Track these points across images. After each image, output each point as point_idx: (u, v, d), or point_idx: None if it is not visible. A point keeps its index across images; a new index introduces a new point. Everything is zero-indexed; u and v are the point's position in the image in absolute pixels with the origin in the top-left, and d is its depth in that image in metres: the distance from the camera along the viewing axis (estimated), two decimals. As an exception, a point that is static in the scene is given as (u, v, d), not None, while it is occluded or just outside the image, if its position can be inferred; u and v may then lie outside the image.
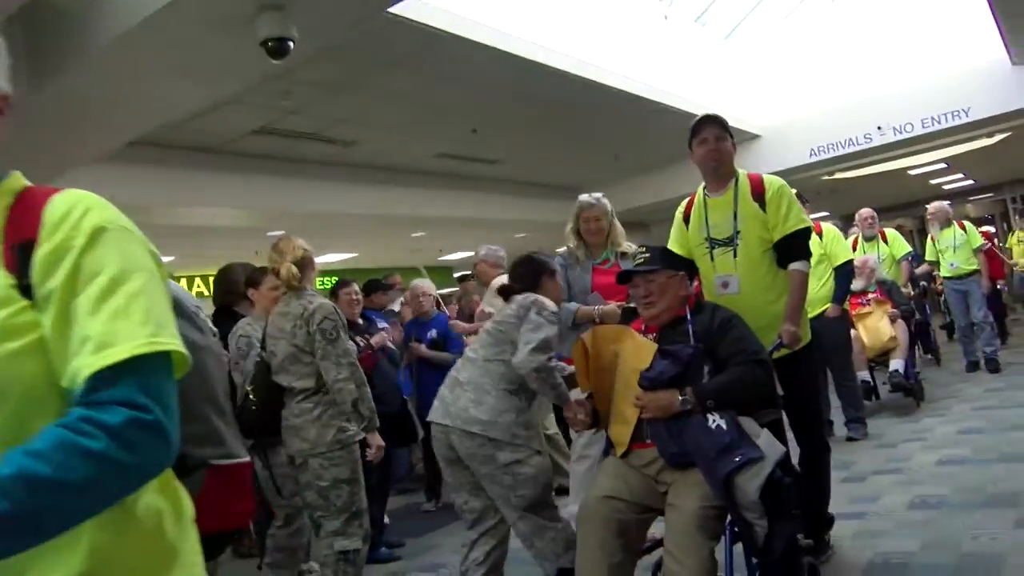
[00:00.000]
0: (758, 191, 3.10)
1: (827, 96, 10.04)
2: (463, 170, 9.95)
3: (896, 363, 5.96)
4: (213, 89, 4.70)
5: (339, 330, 3.16)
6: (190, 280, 12.23)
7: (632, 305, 2.94)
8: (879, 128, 9.74)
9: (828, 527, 3.24)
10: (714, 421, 2.34)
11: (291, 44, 3.75)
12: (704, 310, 2.69)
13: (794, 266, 3.07)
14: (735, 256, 3.08)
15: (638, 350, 2.58)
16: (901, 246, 7.28)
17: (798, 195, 5.71)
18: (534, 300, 2.98)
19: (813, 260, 5.49)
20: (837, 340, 5.39)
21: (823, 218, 6.16)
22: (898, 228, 8.56)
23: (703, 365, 2.49)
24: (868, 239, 7.04)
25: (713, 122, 3.15)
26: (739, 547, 2.37)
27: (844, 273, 5.35)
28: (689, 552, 2.22)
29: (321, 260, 12.83)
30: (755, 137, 10.48)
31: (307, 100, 6.55)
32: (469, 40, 5.82)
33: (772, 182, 3.14)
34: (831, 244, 5.44)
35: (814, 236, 5.46)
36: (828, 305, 5.32)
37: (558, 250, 3.92)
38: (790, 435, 2.98)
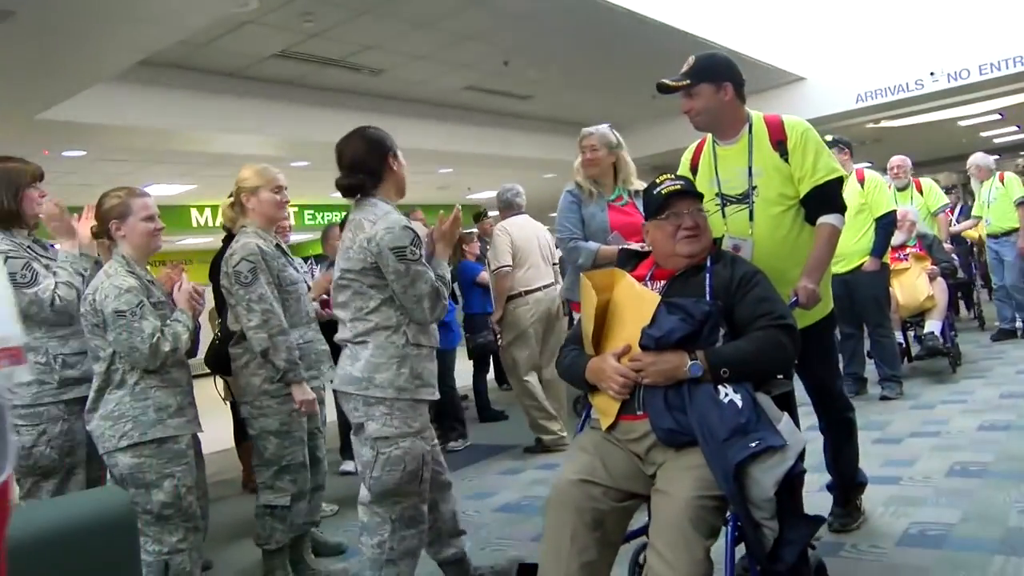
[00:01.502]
0: (778, 137, 2.67)
1: (877, 38, 9.49)
2: (493, 105, 9.65)
3: (932, 324, 5.63)
4: (222, 2, 4.44)
5: (256, 272, 2.93)
6: (214, 209, 12.14)
7: (635, 246, 2.57)
8: (932, 74, 9.22)
9: (859, 491, 3.01)
10: (726, 395, 1.98)
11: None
12: (723, 260, 2.29)
13: (825, 219, 2.63)
14: (751, 217, 2.66)
15: (637, 301, 2.18)
16: (937, 197, 6.87)
17: (839, 141, 5.50)
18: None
19: (852, 210, 5.28)
20: (875, 292, 5.13)
21: (866, 167, 5.79)
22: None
23: (719, 327, 2.10)
24: (900, 189, 6.60)
25: (670, 89, 2.66)
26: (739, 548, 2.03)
27: (885, 224, 5.07)
28: (679, 550, 1.81)
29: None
30: (799, 79, 10.02)
31: (331, 22, 6.27)
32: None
33: (794, 126, 2.68)
34: (873, 193, 5.13)
35: (855, 184, 5.19)
36: (866, 258, 5.05)
37: (567, 186, 3.69)
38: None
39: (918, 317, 5.78)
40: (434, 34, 6.85)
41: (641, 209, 3.36)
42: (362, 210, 2.59)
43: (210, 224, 12.39)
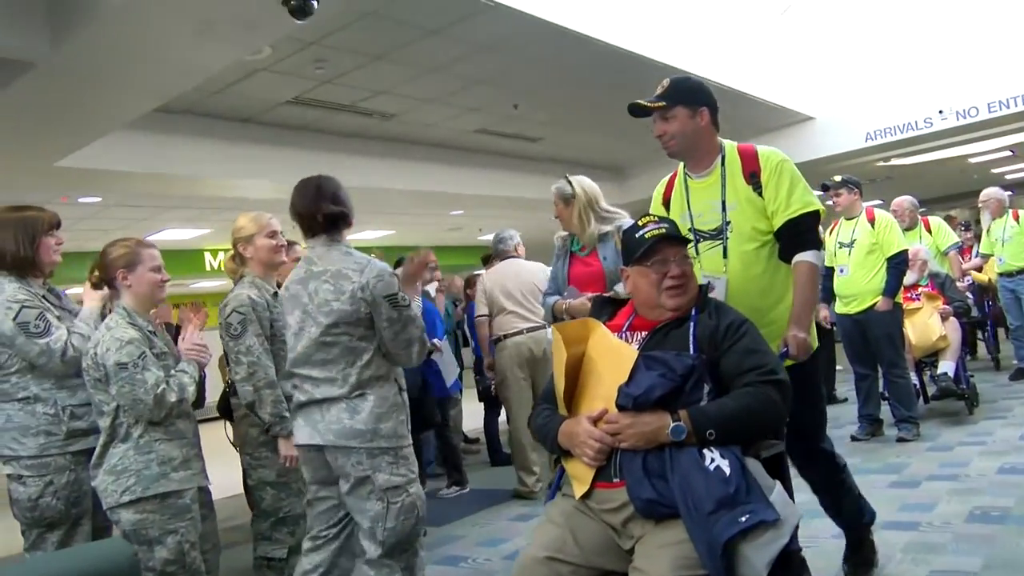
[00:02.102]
0: (751, 169, 2.52)
1: (886, 77, 9.54)
2: (503, 147, 9.73)
3: (945, 365, 5.51)
4: (236, 48, 4.54)
5: (245, 324, 2.94)
6: (228, 253, 12.23)
7: (612, 294, 2.44)
8: (941, 112, 9.24)
9: (868, 528, 2.88)
10: (712, 460, 1.78)
11: (315, 3, 3.55)
12: (708, 308, 2.12)
13: (802, 257, 2.46)
14: (724, 254, 2.52)
15: (613, 355, 1.99)
16: (947, 236, 6.81)
17: (848, 180, 5.49)
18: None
19: (863, 249, 5.30)
20: (889, 331, 5.08)
21: (876, 206, 5.77)
22: (946, 218, 8.08)
23: (703, 382, 1.92)
24: (906, 229, 6.52)
25: (645, 110, 2.53)
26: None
27: (897, 264, 5.04)
28: None
29: (357, 237, 12.92)
30: (808, 119, 10.05)
31: (342, 69, 6.37)
32: (511, 8, 5.56)
33: (769, 157, 2.53)
34: (884, 232, 5.12)
35: (865, 224, 5.18)
36: (878, 298, 5.01)
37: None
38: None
39: (932, 357, 5.68)
40: (444, 79, 6.93)
41: (604, 255, 3.34)
42: (331, 259, 2.54)
43: (223, 268, 12.48)
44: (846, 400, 6.69)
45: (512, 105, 7.89)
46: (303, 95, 6.93)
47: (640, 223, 2.19)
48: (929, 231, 6.74)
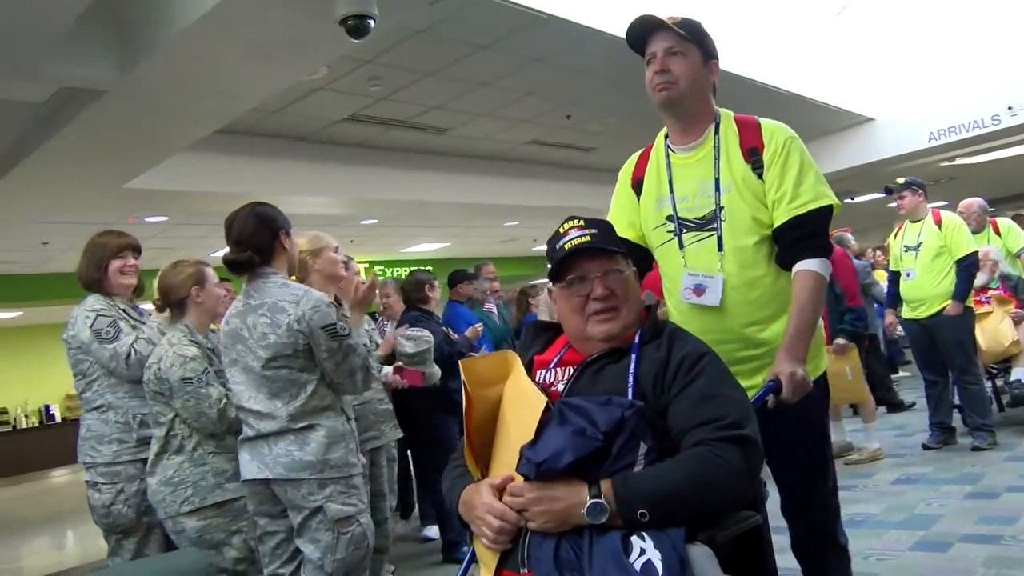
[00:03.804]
0: (751, 143, 2.00)
1: (949, 74, 9.27)
2: (556, 158, 9.74)
3: (1019, 371, 5.30)
4: (294, 71, 4.64)
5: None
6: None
7: (546, 318, 2.16)
8: (1010, 108, 8.91)
9: None
10: (641, 552, 1.34)
11: (371, 22, 3.61)
12: (657, 335, 1.65)
13: (805, 265, 1.93)
14: (719, 247, 1.98)
15: (521, 403, 1.58)
16: (1017, 238, 6.54)
17: (912, 182, 5.32)
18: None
19: (931, 253, 5.13)
20: (960, 336, 4.91)
21: (942, 207, 5.60)
22: (1015, 217, 7.77)
23: (640, 440, 1.45)
24: (975, 232, 6.28)
25: (659, 28, 2.01)
26: None
27: (966, 266, 4.87)
28: None
29: (413, 250, 13.08)
30: (868, 120, 9.83)
31: (397, 86, 6.46)
32: (562, 19, 5.57)
33: (775, 132, 2.01)
34: (952, 234, 4.95)
35: (932, 226, 5.02)
36: (948, 302, 4.86)
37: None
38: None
39: (1004, 364, 5.46)
40: (497, 92, 6.97)
41: None
42: (268, 291, 2.48)
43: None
44: (913, 405, 6.50)
45: (564, 116, 7.90)
46: (359, 112, 7.05)
47: (561, 230, 1.72)
48: (998, 233, 6.49)
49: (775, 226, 1.96)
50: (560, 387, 1.64)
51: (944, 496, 3.97)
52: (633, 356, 1.60)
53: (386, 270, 13.94)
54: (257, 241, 2.51)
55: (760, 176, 1.97)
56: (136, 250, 3.16)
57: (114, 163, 5.69)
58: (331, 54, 4.54)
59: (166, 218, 8.42)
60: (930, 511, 3.74)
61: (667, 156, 2.09)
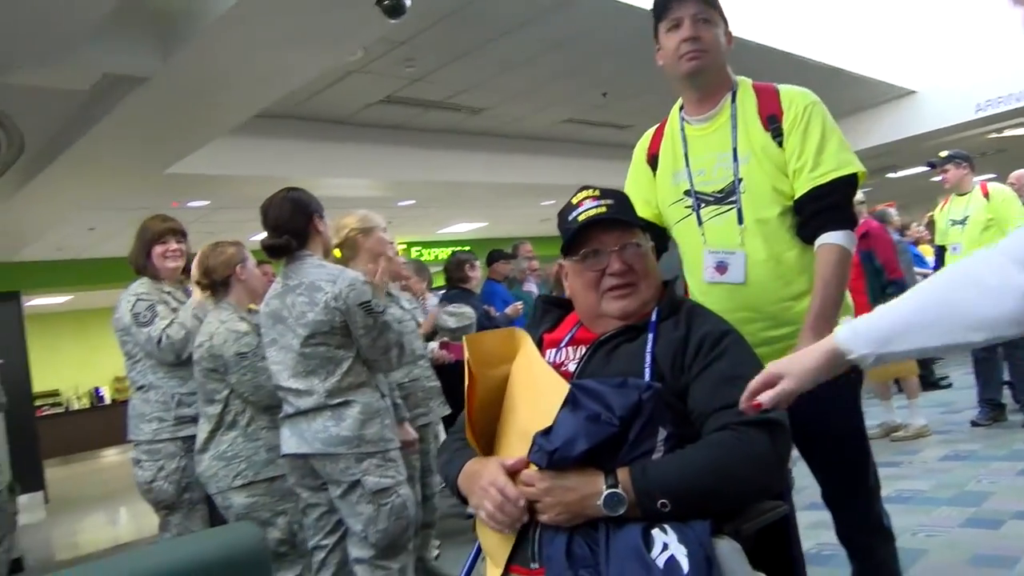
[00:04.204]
0: (770, 111, 1.90)
1: (996, 43, 8.99)
2: (593, 136, 9.68)
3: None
4: (331, 55, 4.67)
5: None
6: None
7: (555, 293, 2.07)
8: (1061, 77, 8.67)
9: None
10: (664, 547, 1.24)
11: (407, 2, 3.62)
12: (675, 312, 1.56)
13: (828, 238, 1.82)
14: (740, 220, 1.89)
15: (532, 385, 1.47)
16: None
17: (956, 156, 5.19)
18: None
19: (979, 226, 5.01)
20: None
21: (990, 179, 5.47)
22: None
23: (659, 425, 1.35)
24: None
25: None
26: None
27: (1019, 239, 4.75)
28: None
29: (449, 230, 13.10)
30: (909, 93, 9.61)
31: (431, 67, 6.46)
32: (597, -4, 5.53)
33: (794, 98, 1.90)
34: (1001, 207, 4.84)
35: (980, 199, 4.90)
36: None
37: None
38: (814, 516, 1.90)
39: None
40: (532, 71, 6.94)
41: None
42: (305, 272, 2.56)
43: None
44: (950, 385, 6.40)
45: (600, 94, 7.84)
46: (394, 94, 7.06)
47: (574, 200, 1.62)
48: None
49: (796, 197, 1.86)
50: (571, 367, 1.54)
51: (995, 473, 3.91)
52: (650, 335, 1.50)
53: (422, 251, 14.02)
54: (293, 226, 2.60)
55: (780, 144, 1.87)
56: (178, 234, 3.22)
57: (156, 149, 5.79)
58: (367, 36, 4.56)
59: (208, 203, 8.55)
60: (980, 488, 3.69)
61: (682, 129, 2.01)
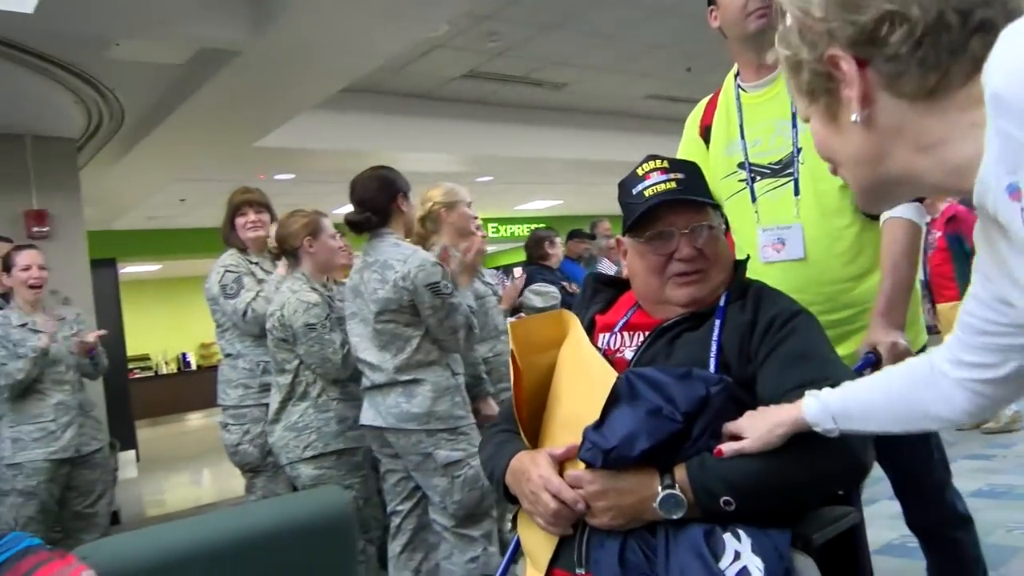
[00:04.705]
0: None
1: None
2: (675, 112, 9.47)
3: None
4: (418, 27, 4.68)
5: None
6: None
7: (614, 272, 1.94)
8: None
9: None
10: (735, 556, 1.11)
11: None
12: (742, 295, 1.42)
13: (893, 213, 1.66)
14: (796, 192, 1.74)
15: (582, 374, 1.35)
16: None
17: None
18: None
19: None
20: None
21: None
22: None
23: (724, 414, 1.22)
24: None
25: None
26: None
27: None
28: None
29: (527, 207, 13.08)
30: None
31: (515, 41, 6.42)
32: (685, -33, 5.39)
33: None
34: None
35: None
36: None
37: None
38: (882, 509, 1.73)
39: None
40: (616, 45, 6.83)
41: None
42: (382, 250, 2.61)
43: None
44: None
45: (685, 69, 7.68)
46: (476, 69, 7.06)
47: (639, 172, 1.45)
48: None
49: None
50: (627, 354, 1.40)
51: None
52: (717, 321, 1.36)
53: (500, 227, 14.06)
54: (376, 203, 2.66)
55: None
56: (257, 205, 3.28)
57: (245, 122, 5.93)
58: (455, 8, 4.57)
59: (292, 176, 8.74)
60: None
61: (737, 97, 1.86)
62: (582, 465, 1.24)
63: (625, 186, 1.48)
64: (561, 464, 1.28)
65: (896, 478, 1.86)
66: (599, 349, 1.41)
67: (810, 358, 1.27)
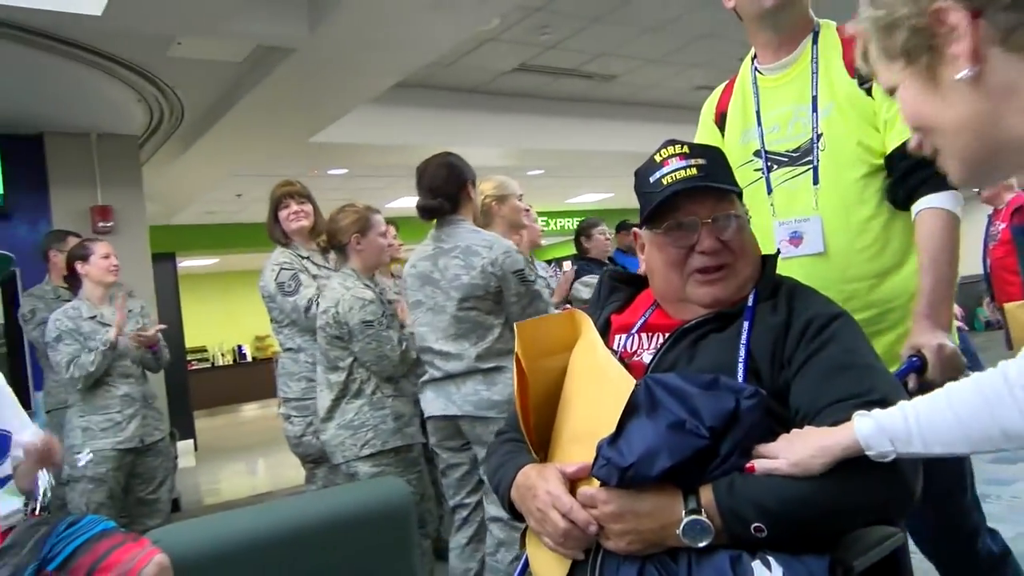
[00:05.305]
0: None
1: None
2: (726, 104, 9.38)
3: None
4: (470, 21, 4.70)
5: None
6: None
7: (630, 269, 1.81)
8: None
9: None
10: None
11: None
12: (774, 293, 1.30)
13: (928, 203, 1.53)
14: (815, 181, 1.62)
15: (596, 379, 1.24)
16: None
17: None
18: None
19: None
20: None
21: None
22: None
23: (759, 439, 1.10)
24: None
25: None
26: None
27: None
28: None
29: (577, 200, 13.04)
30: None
31: (566, 33, 6.40)
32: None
33: None
34: None
35: None
36: None
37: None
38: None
39: None
40: (666, 36, 6.76)
41: None
42: (460, 236, 2.57)
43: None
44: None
45: (737, 59, 7.56)
46: (527, 62, 7.05)
47: (658, 158, 1.34)
48: None
49: (888, 152, 1.56)
50: (646, 358, 1.29)
51: None
52: (745, 323, 1.23)
53: (549, 221, 14.05)
54: (447, 190, 2.63)
55: (869, 92, 1.57)
56: (297, 196, 3.32)
57: (301, 118, 6.03)
58: (508, 1, 4.57)
59: (345, 171, 8.86)
60: None
61: (754, 80, 1.76)
62: (597, 482, 1.12)
63: (642, 174, 1.36)
64: (572, 482, 1.17)
65: (922, 518, 1.57)
66: (614, 352, 1.31)
67: (851, 368, 1.14)
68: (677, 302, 1.33)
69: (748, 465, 1.06)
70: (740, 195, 1.38)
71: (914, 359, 1.44)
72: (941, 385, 1.17)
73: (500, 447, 1.39)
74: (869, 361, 1.17)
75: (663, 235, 1.32)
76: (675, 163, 1.30)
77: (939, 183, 1.49)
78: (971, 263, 3.55)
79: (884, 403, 1.05)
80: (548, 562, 1.19)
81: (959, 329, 4.60)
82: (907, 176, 1.53)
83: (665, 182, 1.29)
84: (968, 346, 4.74)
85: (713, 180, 1.29)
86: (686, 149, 1.31)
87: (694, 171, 1.28)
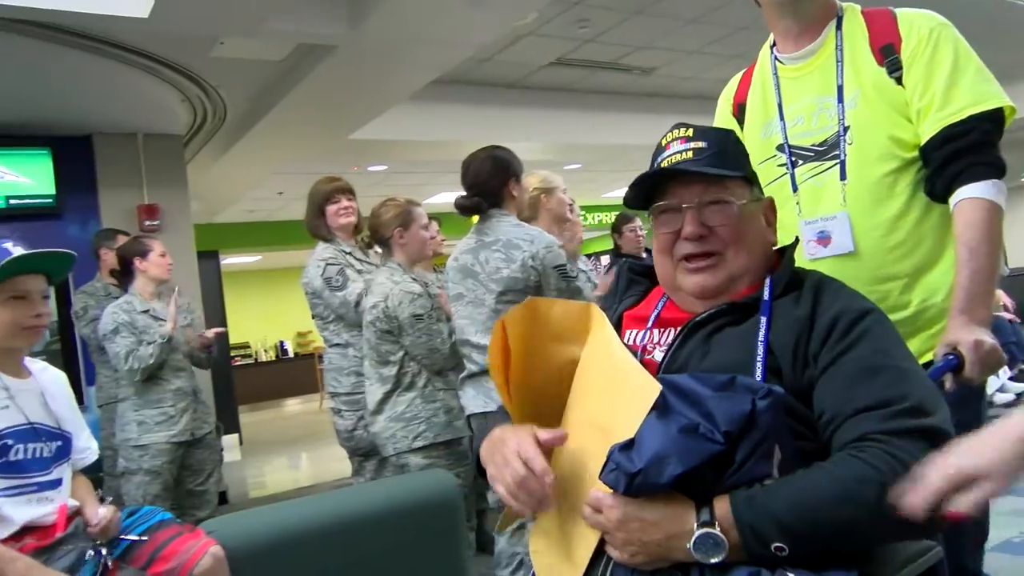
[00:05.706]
0: (886, 40, 1.51)
1: None
2: (766, 95, 9.26)
3: None
4: (508, 16, 4.70)
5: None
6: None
7: (643, 258, 1.75)
8: None
9: None
10: None
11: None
12: (796, 286, 1.20)
13: (966, 193, 1.44)
14: (842, 176, 1.53)
15: (608, 375, 1.15)
16: None
17: None
18: None
19: None
20: None
21: None
22: None
23: (778, 443, 1.01)
24: None
25: None
26: None
27: None
28: None
29: (614, 194, 12.96)
30: None
31: (604, 26, 6.38)
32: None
33: (915, 21, 1.50)
34: None
35: None
36: None
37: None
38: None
39: None
40: (705, 28, 6.70)
41: None
42: (502, 229, 2.53)
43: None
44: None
45: (777, 49, 7.48)
46: (565, 56, 7.04)
47: (663, 142, 1.30)
48: None
49: (922, 143, 1.47)
50: (657, 355, 1.21)
51: None
52: (763, 317, 1.15)
53: (587, 215, 14.01)
54: (489, 186, 2.62)
55: (899, 81, 1.49)
56: (347, 192, 3.36)
57: (341, 115, 6.09)
58: (544, -3, 4.58)
59: (385, 167, 8.92)
60: None
61: (774, 70, 1.65)
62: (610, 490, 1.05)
63: (652, 158, 1.33)
64: (548, 452, 1.10)
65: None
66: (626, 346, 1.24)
67: (882, 371, 1.04)
68: (676, 291, 1.28)
69: (951, 512, 0.87)
70: (749, 179, 1.30)
71: (951, 357, 1.36)
72: (979, 383, 1.14)
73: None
74: (902, 363, 1.08)
75: (655, 219, 1.29)
76: (676, 146, 1.26)
77: (979, 172, 1.43)
78: (1021, 256, 3.43)
79: (919, 411, 0.99)
80: (553, 562, 1.14)
81: (1010, 321, 4.52)
82: (945, 166, 1.46)
83: (664, 166, 1.27)
84: (1021, 338, 4.63)
85: (708, 164, 1.23)
86: (689, 132, 1.27)
87: (689, 154, 1.24)
